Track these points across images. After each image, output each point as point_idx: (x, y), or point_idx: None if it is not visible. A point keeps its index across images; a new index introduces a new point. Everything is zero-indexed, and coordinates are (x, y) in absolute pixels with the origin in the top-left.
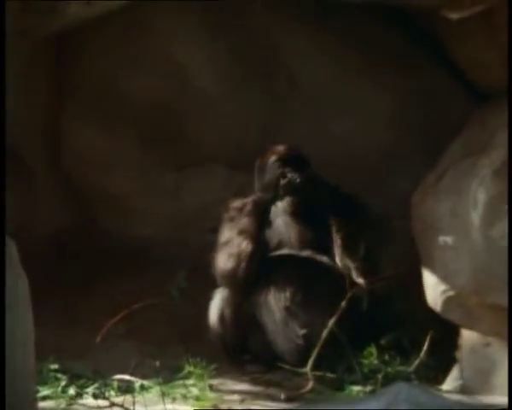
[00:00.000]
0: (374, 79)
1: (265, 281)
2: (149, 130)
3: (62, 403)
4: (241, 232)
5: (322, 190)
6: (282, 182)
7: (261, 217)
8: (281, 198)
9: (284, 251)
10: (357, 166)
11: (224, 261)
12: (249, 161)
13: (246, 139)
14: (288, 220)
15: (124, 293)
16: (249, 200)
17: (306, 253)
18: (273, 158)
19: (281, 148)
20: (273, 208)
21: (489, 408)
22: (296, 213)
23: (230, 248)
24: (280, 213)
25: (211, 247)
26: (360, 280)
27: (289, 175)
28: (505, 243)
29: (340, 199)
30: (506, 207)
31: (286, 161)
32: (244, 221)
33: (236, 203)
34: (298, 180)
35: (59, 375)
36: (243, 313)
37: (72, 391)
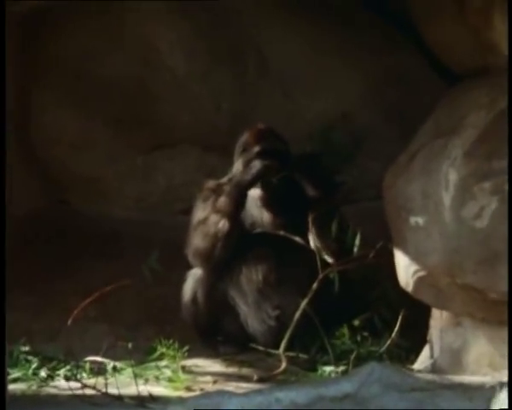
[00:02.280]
0: (346, 60)
1: (238, 262)
2: (121, 111)
3: (33, 385)
4: (218, 211)
5: (298, 172)
6: (272, 174)
7: (241, 199)
8: (257, 184)
9: (257, 230)
10: (329, 147)
11: (199, 240)
12: (221, 142)
13: (217, 121)
14: (260, 204)
15: (95, 275)
16: (228, 180)
17: (279, 233)
18: (259, 144)
19: (263, 131)
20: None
21: (460, 387)
22: (270, 198)
23: (206, 227)
24: (252, 197)
25: (183, 228)
26: (332, 261)
27: (277, 167)
28: (476, 223)
29: (315, 178)
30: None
31: (271, 147)
32: (222, 201)
33: (210, 184)
34: (277, 171)
35: (30, 357)
36: (216, 295)
37: (43, 373)
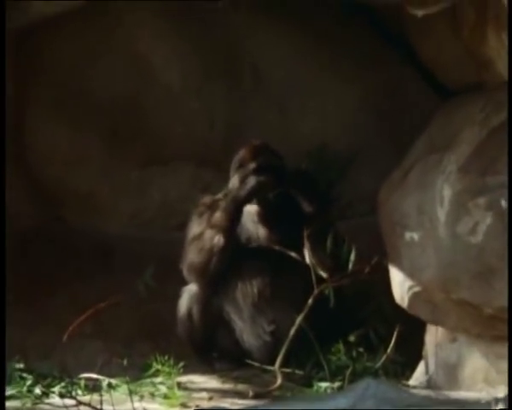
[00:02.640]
0: (341, 75)
1: (233, 277)
2: (115, 126)
3: (28, 403)
4: (213, 226)
5: (294, 188)
6: (268, 190)
7: (236, 214)
8: (253, 200)
9: (253, 245)
10: (323, 162)
11: (194, 255)
12: (215, 157)
13: (211, 136)
14: (257, 219)
15: (90, 291)
16: (223, 196)
17: (275, 247)
18: (255, 161)
19: (259, 148)
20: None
21: (455, 403)
22: (265, 214)
23: (201, 242)
24: (248, 212)
25: (178, 243)
26: (327, 277)
27: (273, 183)
28: (471, 238)
29: (310, 193)
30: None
31: (268, 164)
32: (217, 216)
33: (205, 199)
34: (272, 187)
35: (24, 374)
36: (211, 310)
37: (38, 390)
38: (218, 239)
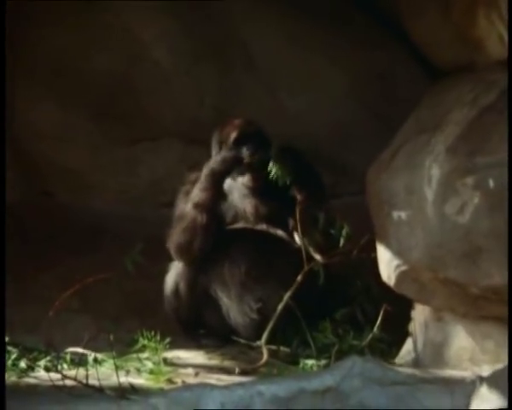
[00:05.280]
0: (330, 56)
1: (220, 255)
2: (104, 104)
3: (13, 376)
4: (196, 206)
5: (283, 165)
6: (246, 159)
7: (216, 190)
8: (241, 173)
9: (240, 225)
10: (312, 143)
11: (178, 235)
12: (204, 135)
13: (201, 114)
14: (244, 194)
15: (78, 267)
16: (203, 172)
17: (261, 227)
18: (234, 133)
19: (240, 122)
20: (229, 182)
21: (441, 381)
22: (255, 189)
23: (185, 221)
24: (237, 187)
25: (165, 221)
26: (317, 255)
27: (252, 153)
28: (458, 218)
29: (300, 172)
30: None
31: (247, 136)
32: (199, 194)
33: (192, 176)
34: (260, 158)
35: (9, 348)
36: (198, 287)
37: (23, 364)
38: (201, 218)
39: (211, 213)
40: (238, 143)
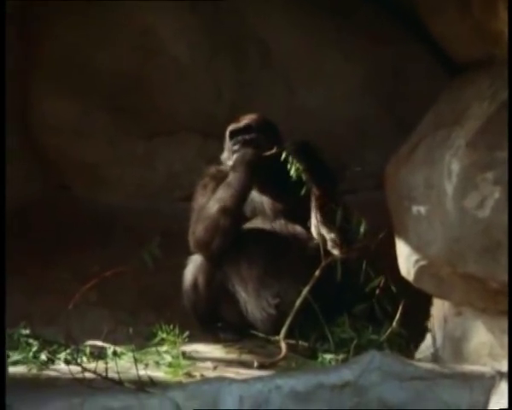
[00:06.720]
0: (346, 51)
1: (239, 250)
2: (121, 98)
3: (34, 368)
4: (222, 209)
5: (298, 159)
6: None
7: (245, 195)
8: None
9: (258, 223)
10: (329, 139)
11: (200, 231)
12: (221, 130)
13: (218, 109)
14: (261, 189)
15: (94, 260)
16: (231, 174)
17: (280, 225)
18: (232, 125)
19: (245, 116)
20: None
21: (460, 376)
22: (268, 184)
23: (208, 218)
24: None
25: (182, 216)
26: (335, 250)
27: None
28: (478, 213)
29: (315, 167)
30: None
31: (243, 130)
32: (225, 195)
33: (211, 170)
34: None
35: (30, 340)
36: (216, 282)
37: (43, 357)
38: (224, 221)
39: (235, 218)
40: (232, 135)
